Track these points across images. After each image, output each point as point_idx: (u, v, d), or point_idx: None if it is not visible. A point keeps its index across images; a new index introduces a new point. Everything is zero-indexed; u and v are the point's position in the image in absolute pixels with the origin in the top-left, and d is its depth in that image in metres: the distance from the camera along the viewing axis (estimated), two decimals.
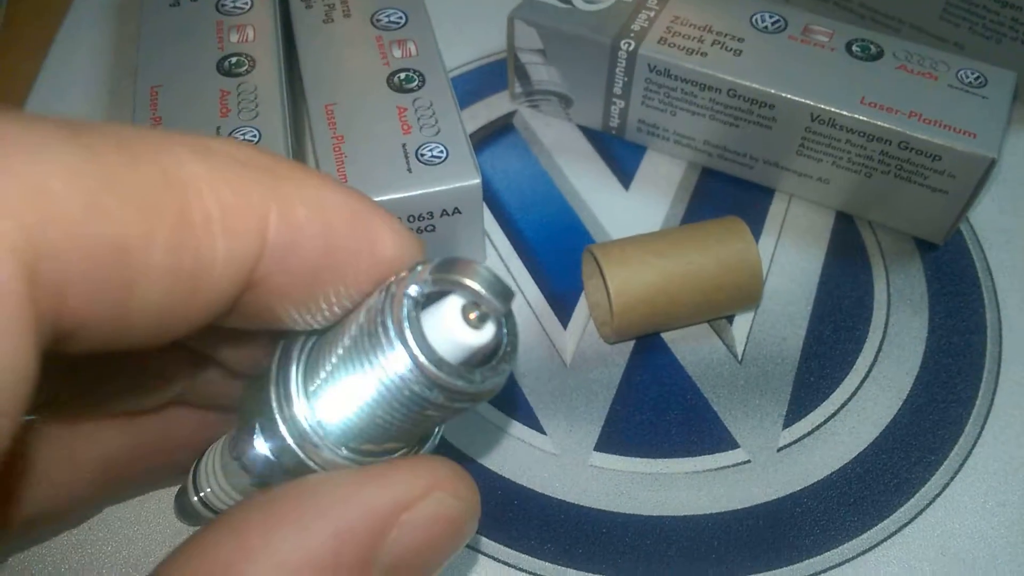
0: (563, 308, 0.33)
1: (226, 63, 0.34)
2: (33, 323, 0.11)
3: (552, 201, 0.36)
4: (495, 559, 0.27)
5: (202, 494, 0.18)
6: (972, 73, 0.34)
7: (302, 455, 0.15)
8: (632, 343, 0.32)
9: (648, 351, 0.32)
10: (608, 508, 0.28)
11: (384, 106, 0.32)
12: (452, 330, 0.13)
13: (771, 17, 0.35)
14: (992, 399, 0.31)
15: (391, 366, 0.13)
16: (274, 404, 0.15)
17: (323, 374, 0.15)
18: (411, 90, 0.33)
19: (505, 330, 0.14)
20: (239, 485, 0.17)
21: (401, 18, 0.36)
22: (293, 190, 0.14)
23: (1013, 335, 0.32)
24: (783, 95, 0.33)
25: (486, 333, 0.14)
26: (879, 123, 0.32)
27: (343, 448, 0.15)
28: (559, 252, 0.35)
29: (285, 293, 0.14)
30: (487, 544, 0.28)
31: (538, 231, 0.35)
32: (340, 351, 0.14)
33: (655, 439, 0.30)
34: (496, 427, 0.30)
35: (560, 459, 0.30)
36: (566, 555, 0.27)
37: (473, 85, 0.40)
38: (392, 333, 0.13)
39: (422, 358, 0.13)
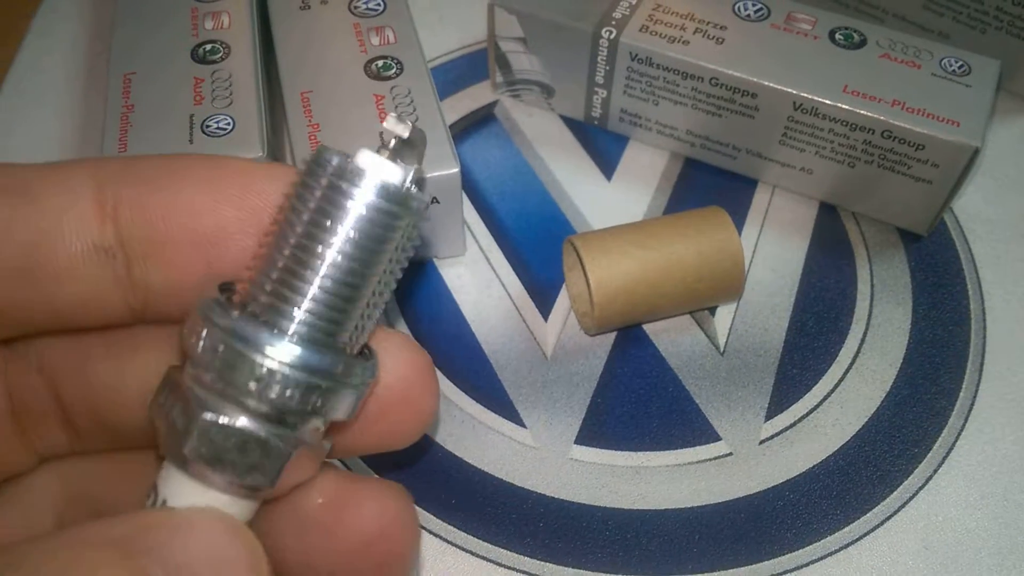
0: (544, 300, 0.33)
1: (200, 50, 0.33)
2: None
3: (533, 192, 0.36)
4: (473, 554, 0.27)
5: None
6: (956, 62, 0.33)
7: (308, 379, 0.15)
8: (613, 335, 0.32)
9: (630, 343, 0.32)
10: (588, 502, 0.28)
11: (361, 94, 0.32)
12: (380, 166, 0.15)
13: (754, 5, 0.35)
14: (976, 391, 0.30)
15: (360, 202, 0.15)
16: (255, 355, 0.14)
17: (279, 283, 0.15)
18: (389, 78, 0.32)
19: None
20: None
21: (379, 5, 0.35)
22: None
23: (997, 327, 0.32)
24: (765, 84, 0.32)
25: (402, 167, 0.15)
26: (862, 112, 0.32)
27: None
28: (540, 243, 0.34)
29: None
30: (465, 539, 0.27)
31: (519, 222, 0.35)
32: (284, 249, 0.15)
33: (636, 432, 0.30)
34: (475, 420, 0.30)
35: (540, 452, 0.29)
36: (545, 549, 0.27)
37: (454, 75, 0.40)
38: (353, 178, 0.15)
39: (385, 179, 0.15)
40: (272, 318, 0.15)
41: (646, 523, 0.28)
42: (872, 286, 0.33)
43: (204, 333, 0.15)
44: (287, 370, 0.14)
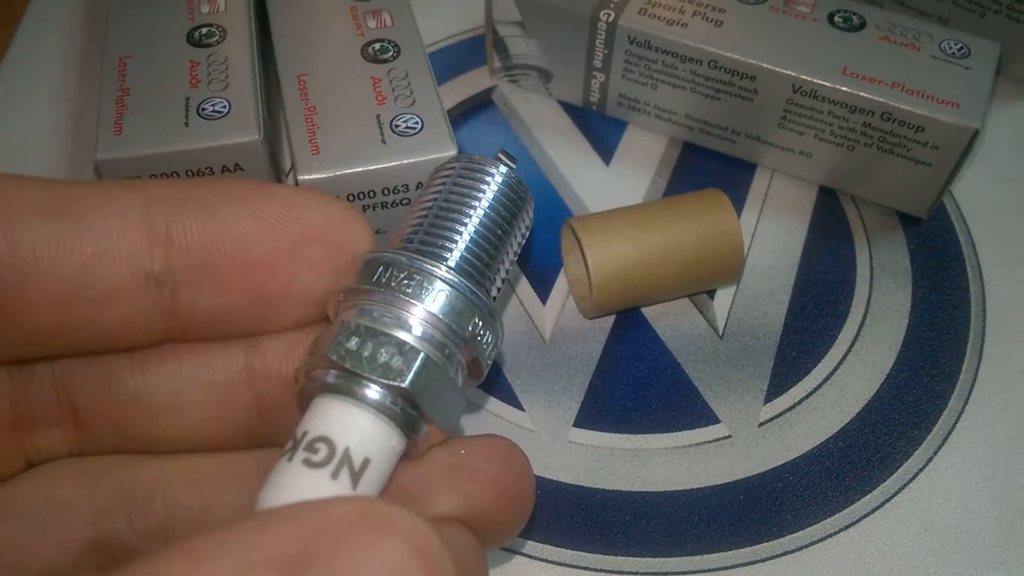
0: (542, 284, 0.33)
1: (196, 33, 0.33)
2: None
3: (532, 177, 0.36)
4: None
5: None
6: (955, 44, 0.33)
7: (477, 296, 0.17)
8: (612, 319, 0.32)
9: (628, 327, 0.31)
10: (587, 484, 0.28)
11: (358, 77, 0.32)
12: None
13: None
14: (976, 373, 0.30)
15: (496, 181, 0.19)
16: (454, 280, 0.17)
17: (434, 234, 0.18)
18: (386, 60, 0.32)
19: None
20: None
21: None
22: None
23: (997, 310, 0.32)
24: (764, 66, 0.32)
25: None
26: (862, 94, 0.31)
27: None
28: (538, 228, 0.34)
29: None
30: None
31: None
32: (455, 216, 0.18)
33: (635, 415, 0.29)
34: (473, 404, 0.30)
35: (538, 435, 0.29)
36: (544, 531, 0.27)
37: (451, 60, 0.40)
38: (490, 165, 0.19)
39: (509, 165, 0.19)
40: (433, 252, 0.17)
41: (645, 505, 0.27)
42: (871, 269, 0.33)
43: (368, 263, 0.17)
44: (448, 282, 0.17)
